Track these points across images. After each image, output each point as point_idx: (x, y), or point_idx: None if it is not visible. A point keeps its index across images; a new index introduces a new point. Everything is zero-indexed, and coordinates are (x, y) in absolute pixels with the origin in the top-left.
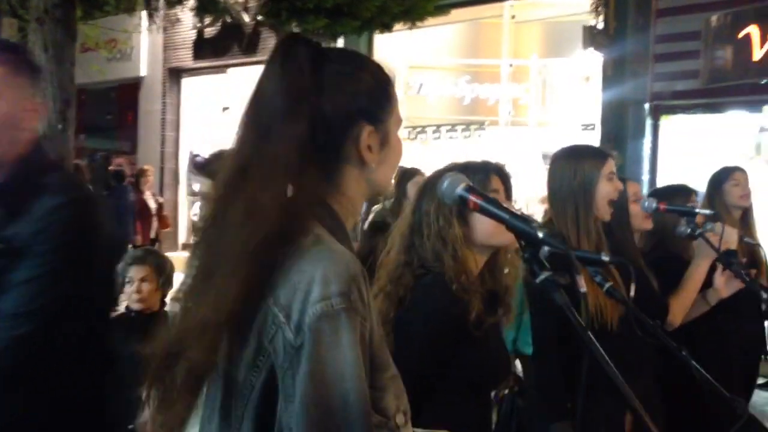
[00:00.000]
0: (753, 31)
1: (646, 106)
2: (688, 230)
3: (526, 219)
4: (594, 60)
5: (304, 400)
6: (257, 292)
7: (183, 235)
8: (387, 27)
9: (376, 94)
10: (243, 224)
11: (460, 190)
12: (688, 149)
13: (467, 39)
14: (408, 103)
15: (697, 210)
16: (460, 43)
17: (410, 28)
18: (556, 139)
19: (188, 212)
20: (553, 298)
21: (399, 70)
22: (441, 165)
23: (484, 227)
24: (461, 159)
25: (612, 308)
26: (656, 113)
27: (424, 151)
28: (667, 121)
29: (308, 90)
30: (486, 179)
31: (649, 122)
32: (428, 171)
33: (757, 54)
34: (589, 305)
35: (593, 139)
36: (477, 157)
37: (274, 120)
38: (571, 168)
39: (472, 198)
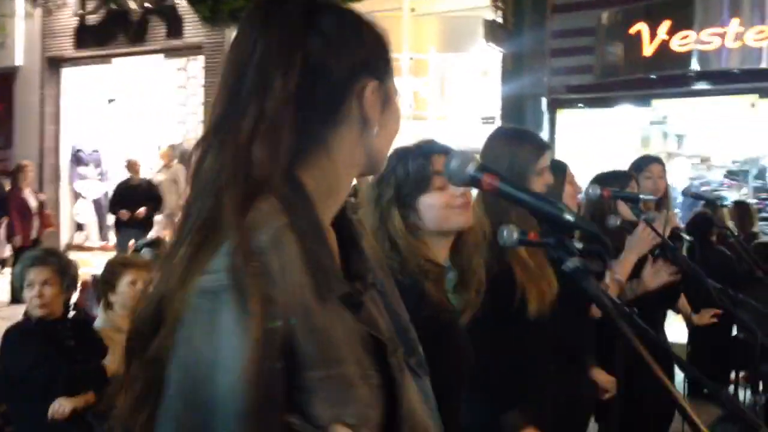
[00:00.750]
0: (643, 27)
1: (544, 100)
2: (618, 221)
3: (551, 200)
4: (492, 54)
5: (171, 390)
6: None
7: (66, 234)
8: None
9: (379, 47)
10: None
11: (471, 169)
12: (583, 142)
13: None
14: None
15: (641, 196)
16: None
17: None
18: (455, 133)
19: (71, 210)
20: (584, 287)
21: None
22: None
23: (432, 212)
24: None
25: (546, 292)
26: (553, 107)
27: None
28: (563, 115)
29: (302, 38)
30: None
31: (546, 116)
32: None
33: (647, 50)
34: (532, 290)
35: None
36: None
37: (262, 75)
38: (506, 157)
39: (486, 179)
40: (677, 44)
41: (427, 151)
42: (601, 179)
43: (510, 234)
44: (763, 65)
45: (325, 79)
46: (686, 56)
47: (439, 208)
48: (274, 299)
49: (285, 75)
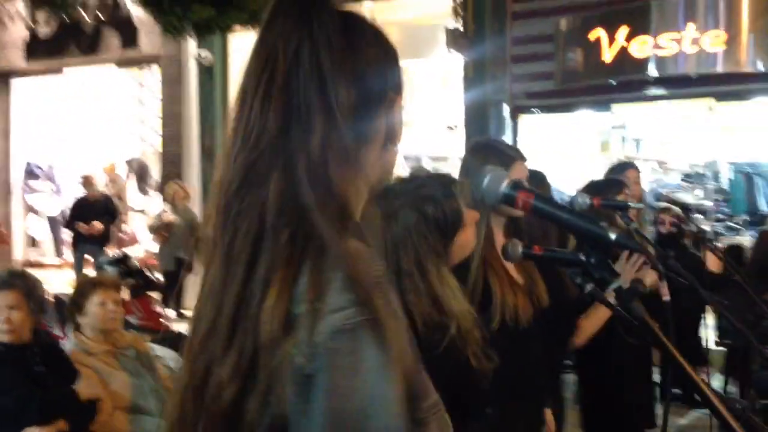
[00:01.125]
0: (601, 34)
1: (506, 106)
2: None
3: (591, 218)
4: (454, 61)
5: None
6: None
7: (19, 251)
8: (226, 29)
9: (397, 60)
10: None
11: (505, 187)
12: (545, 148)
13: None
14: None
15: (630, 204)
16: None
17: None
18: (419, 140)
19: (23, 225)
20: (630, 308)
21: None
22: None
23: (464, 251)
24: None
25: (526, 305)
26: (515, 113)
27: None
28: (525, 121)
29: (356, 46)
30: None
31: (508, 122)
32: None
33: (606, 56)
34: (508, 303)
35: (457, 139)
36: None
37: (325, 87)
38: (477, 170)
39: (522, 196)
40: (635, 50)
41: (449, 184)
42: (593, 187)
43: (514, 248)
44: (719, 69)
45: (367, 93)
46: (644, 61)
47: (471, 243)
48: (398, 330)
49: (348, 87)
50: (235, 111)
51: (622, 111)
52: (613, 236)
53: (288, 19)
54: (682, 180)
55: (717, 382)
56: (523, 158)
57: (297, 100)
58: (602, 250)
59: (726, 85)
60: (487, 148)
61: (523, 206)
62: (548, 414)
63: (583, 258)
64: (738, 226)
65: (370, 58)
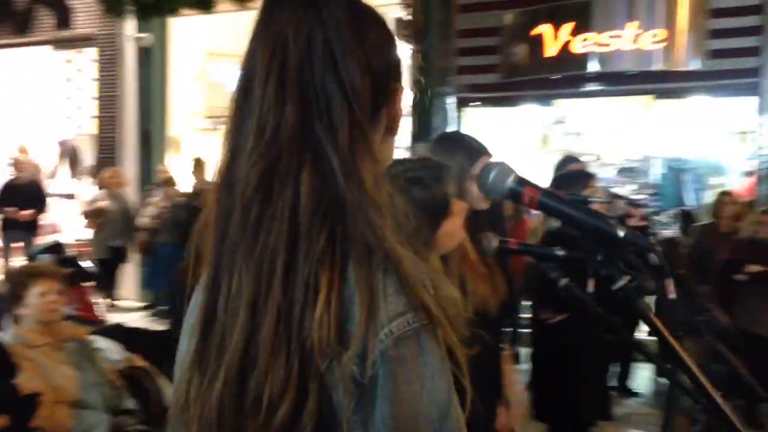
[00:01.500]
0: (546, 29)
1: (452, 99)
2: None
3: (598, 214)
4: (402, 52)
5: None
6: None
7: None
8: (173, 12)
9: (396, 48)
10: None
11: (511, 182)
12: (488, 140)
13: None
14: (207, 92)
15: (591, 198)
16: None
17: (204, 13)
18: None
19: None
20: (635, 305)
21: (195, 57)
22: None
23: (451, 241)
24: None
25: (493, 297)
26: (460, 105)
27: None
28: (469, 114)
29: (363, 34)
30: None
31: (454, 115)
32: None
33: (549, 51)
34: (479, 293)
35: (402, 131)
36: None
37: (342, 77)
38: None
39: (528, 191)
40: (578, 46)
41: (438, 169)
42: (559, 180)
43: (490, 242)
44: (657, 67)
45: (375, 82)
46: (586, 58)
47: (459, 233)
48: (447, 329)
49: (363, 76)
50: (236, 103)
51: (564, 106)
52: (621, 233)
53: (295, 6)
54: (617, 174)
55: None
56: (489, 153)
57: (314, 93)
58: (609, 247)
59: (664, 82)
60: (453, 140)
61: (529, 202)
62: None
63: (558, 253)
64: (667, 220)
65: (375, 45)
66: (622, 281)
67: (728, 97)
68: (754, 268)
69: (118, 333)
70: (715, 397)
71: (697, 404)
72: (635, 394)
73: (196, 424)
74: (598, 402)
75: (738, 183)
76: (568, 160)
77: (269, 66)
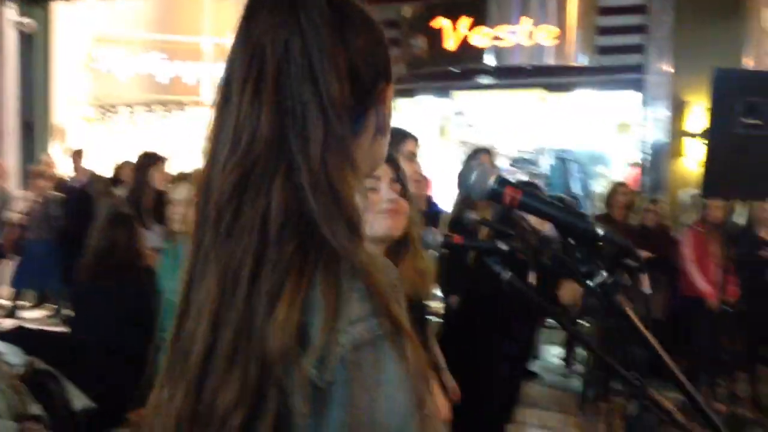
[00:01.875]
0: (444, 22)
1: None
2: (475, 216)
3: (578, 213)
4: None
5: None
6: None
7: None
8: None
9: (387, 47)
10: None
11: (492, 182)
12: None
13: (162, 13)
14: (94, 79)
15: None
16: (155, 17)
17: None
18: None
19: None
20: (613, 301)
21: (81, 43)
22: (138, 148)
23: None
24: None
25: (425, 287)
26: None
27: (116, 132)
28: None
29: (344, 35)
30: (401, 142)
31: None
32: (134, 154)
33: (448, 44)
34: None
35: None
36: (177, 139)
37: (318, 83)
38: None
39: (509, 192)
40: (476, 40)
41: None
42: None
43: (435, 237)
44: (550, 62)
45: (360, 86)
46: (483, 51)
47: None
48: (412, 338)
49: (341, 82)
50: (217, 110)
51: (461, 98)
52: (600, 231)
53: (273, 11)
54: (511, 165)
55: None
56: (414, 137)
57: (290, 101)
58: (588, 245)
59: (555, 77)
60: None
61: (510, 201)
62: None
63: (502, 247)
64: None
65: (361, 48)
66: (601, 277)
67: (614, 91)
68: (644, 254)
69: (16, 336)
70: (688, 387)
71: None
72: (535, 375)
73: None
74: (511, 387)
75: (623, 173)
76: (478, 151)
77: (247, 73)
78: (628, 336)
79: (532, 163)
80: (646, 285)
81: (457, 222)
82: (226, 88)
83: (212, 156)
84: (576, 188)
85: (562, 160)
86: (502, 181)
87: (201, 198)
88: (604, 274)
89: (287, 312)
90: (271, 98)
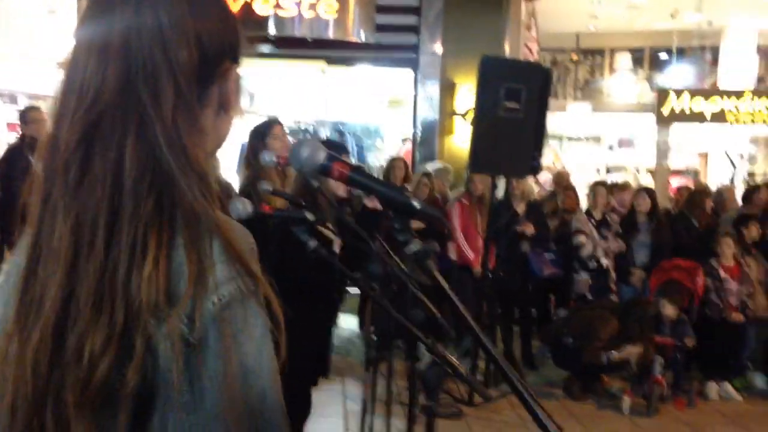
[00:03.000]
0: None
1: None
2: (270, 187)
3: (399, 188)
4: None
5: (216, 407)
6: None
7: None
8: None
9: (236, 28)
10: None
11: (322, 158)
12: None
13: None
14: None
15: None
16: None
17: None
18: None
19: None
20: (425, 266)
21: None
22: None
23: None
24: None
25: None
26: None
27: None
28: None
29: (189, 8)
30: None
31: None
32: None
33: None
34: None
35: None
36: None
37: (167, 49)
38: None
39: (337, 167)
40: (258, 8)
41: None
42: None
43: (245, 206)
44: (330, 35)
45: (203, 59)
46: (266, 20)
47: None
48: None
49: (189, 49)
50: (67, 65)
51: (242, 65)
52: (417, 205)
53: None
54: (289, 136)
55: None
56: (279, 122)
57: (139, 60)
58: (406, 217)
59: (336, 50)
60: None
61: (339, 176)
62: None
63: (308, 217)
64: None
65: (209, 23)
66: (415, 246)
67: (390, 68)
68: (416, 225)
69: None
70: (493, 352)
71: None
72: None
73: (12, 382)
74: (319, 361)
75: (397, 148)
76: (270, 122)
77: (94, 30)
78: (414, 300)
79: (310, 134)
80: (453, 251)
81: (246, 193)
82: (76, 48)
83: (58, 112)
84: (352, 160)
85: (340, 133)
86: (331, 157)
87: (48, 153)
88: (418, 242)
89: (153, 269)
90: (118, 54)
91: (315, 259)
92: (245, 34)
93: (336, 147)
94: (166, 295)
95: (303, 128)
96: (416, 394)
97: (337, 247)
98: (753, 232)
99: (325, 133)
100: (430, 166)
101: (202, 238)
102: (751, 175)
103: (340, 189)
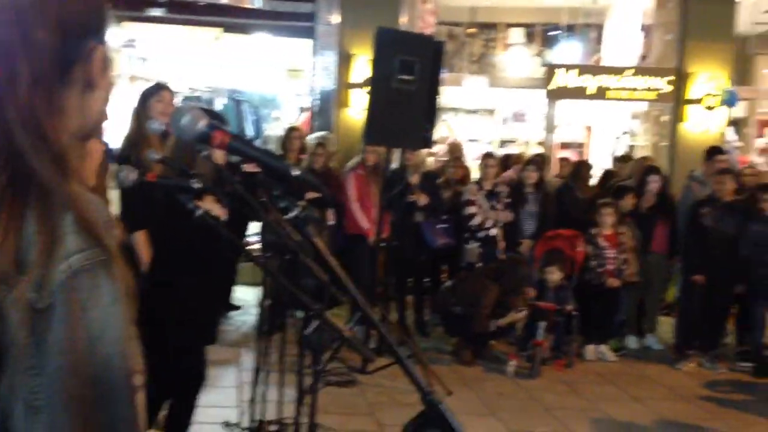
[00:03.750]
0: None
1: None
2: (156, 155)
3: (278, 157)
4: None
5: (59, 371)
6: None
7: None
8: None
9: (102, 9)
10: None
11: (202, 125)
12: None
13: None
14: None
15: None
16: None
17: None
18: None
19: None
20: (304, 231)
21: None
22: None
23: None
24: None
25: None
26: None
27: None
28: None
29: None
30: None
31: None
32: None
33: None
34: None
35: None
36: None
37: (25, 28)
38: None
39: (218, 136)
40: None
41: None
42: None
43: (128, 175)
44: (226, 1)
45: (65, 38)
46: None
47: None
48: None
49: (49, 30)
50: None
51: (132, 29)
52: (296, 172)
53: None
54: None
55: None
56: (167, 88)
57: None
58: (286, 184)
59: (231, 17)
60: None
61: (220, 144)
62: None
63: (195, 185)
64: None
65: (71, 1)
66: (295, 211)
67: (287, 37)
68: (310, 195)
69: None
70: (373, 318)
71: (313, 316)
72: (237, 308)
73: None
74: (206, 328)
75: (295, 117)
76: (157, 86)
77: None
78: (304, 268)
79: (205, 102)
80: (331, 218)
81: (126, 158)
82: None
83: None
84: (249, 130)
85: (236, 101)
86: (211, 125)
87: None
88: (298, 208)
89: (3, 239)
90: None
91: (202, 227)
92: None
93: (216, 116)
94: (16, 264)
95: (197, 96)
96: (305, 362)
97: (223, 214)
98: (628, 202)
99: (220, 102)
100: (314, 136)
101: (54, 211)
102: (632, 147)
103: (219, 157)
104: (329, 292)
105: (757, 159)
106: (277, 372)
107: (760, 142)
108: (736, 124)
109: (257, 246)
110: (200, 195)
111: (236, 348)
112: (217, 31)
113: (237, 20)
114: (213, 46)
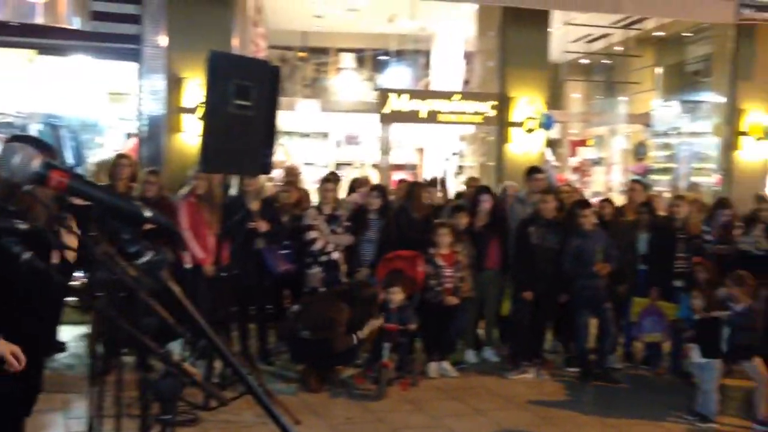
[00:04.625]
0: None
1: None
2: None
3: (127, 198)
4: None
5: None
6: None
7: None
8: None
9: None
10: None
11: (36, 166)
12: None
13: None
14: None
15: None
16: None
17: None
18: None
19: None
20: (158, 277)
21: None
22: None
23: None
24: None
25: None
26: None
27: None
28: None
29: None
30: None
31: None
32: None
33: None
34: None
35: None
36: None
37: None
38: None
39: (55, 176)
40: None
41: None
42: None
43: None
44: (39, 21)
45: None
46: None
47: None
48: None
49: None
50: None
51: None
52: (147, 214)
53: None
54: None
55: None
56: None
57: None
58: (135, 226)
59: (47, 38)
60: None
61: (57, 186)
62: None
63: (20, 226)
64: None
65: None
66: (148, 256)
67: (111, 59)
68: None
69: None
70: (222, 348)
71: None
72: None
73: None
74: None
75: (120, 144)
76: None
77: None
78: (146, 307)
79: (18, 128)
80: (188, 260)
81: None
82: None
83: None
84: (69, 157)
85: (53, 126)
86: (48, 165)
87: None
88: (151, 252)
89: None
90: None
91: (29, 271)
92: None
93: (46, 147)
94: None
95: (8, 122)
96: (149, 405)
97: (56, 258)
98: (462, 221)
99: (35, 128)
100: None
101: None
102: (461, 167)
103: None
104: (174, 330)
105: (571, 176)
106: (114, 417)
107: (573, 161)
108: (552, 145)
109: (84, 282)
110: (27, 237)
111: (62, 394)
112: (30, 53)
113: (54, 41)
114: (26, 69)
